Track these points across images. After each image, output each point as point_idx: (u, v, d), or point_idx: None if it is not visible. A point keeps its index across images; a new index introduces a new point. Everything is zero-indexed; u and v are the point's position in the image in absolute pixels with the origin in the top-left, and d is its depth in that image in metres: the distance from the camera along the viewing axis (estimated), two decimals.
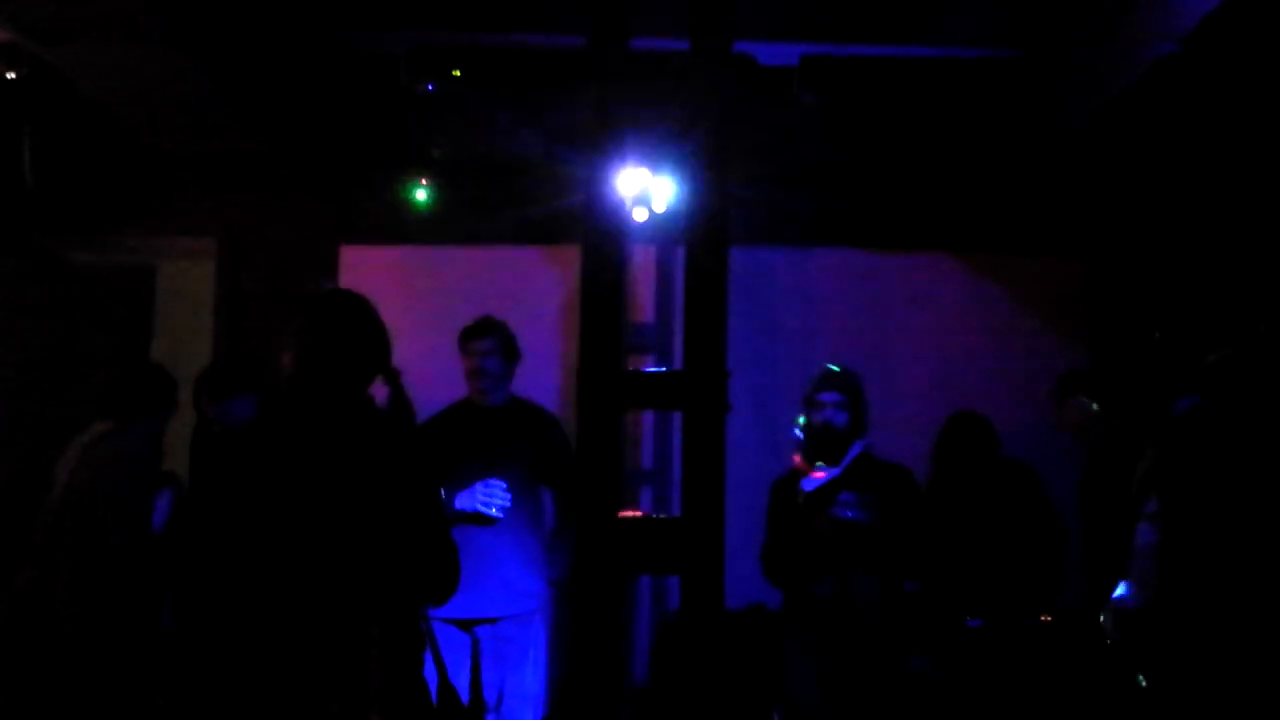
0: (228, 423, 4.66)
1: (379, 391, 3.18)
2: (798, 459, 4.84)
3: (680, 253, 5.57)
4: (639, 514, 5.37)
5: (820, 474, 4.73)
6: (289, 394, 3.00)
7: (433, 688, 3.30)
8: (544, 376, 6.08)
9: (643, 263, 6.57)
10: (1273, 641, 3.46)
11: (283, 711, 2.79)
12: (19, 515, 5.75)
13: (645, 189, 6.09)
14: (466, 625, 4.82)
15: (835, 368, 4.87)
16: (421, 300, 6.43)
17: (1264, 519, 3.51)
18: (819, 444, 4.75)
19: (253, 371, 4.89)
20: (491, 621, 4.86)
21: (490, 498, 4.74)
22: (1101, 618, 4.13)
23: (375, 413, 3.10)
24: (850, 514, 4.63)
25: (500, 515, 4.77)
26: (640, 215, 6.17)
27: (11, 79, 5.78)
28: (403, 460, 2.98)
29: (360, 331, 3.08)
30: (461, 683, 4.45)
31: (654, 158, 5.94)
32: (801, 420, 4.83)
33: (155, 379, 4.86)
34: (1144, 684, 3.73)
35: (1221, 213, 6.24)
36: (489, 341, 5.01)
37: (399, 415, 3.31)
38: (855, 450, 4.74)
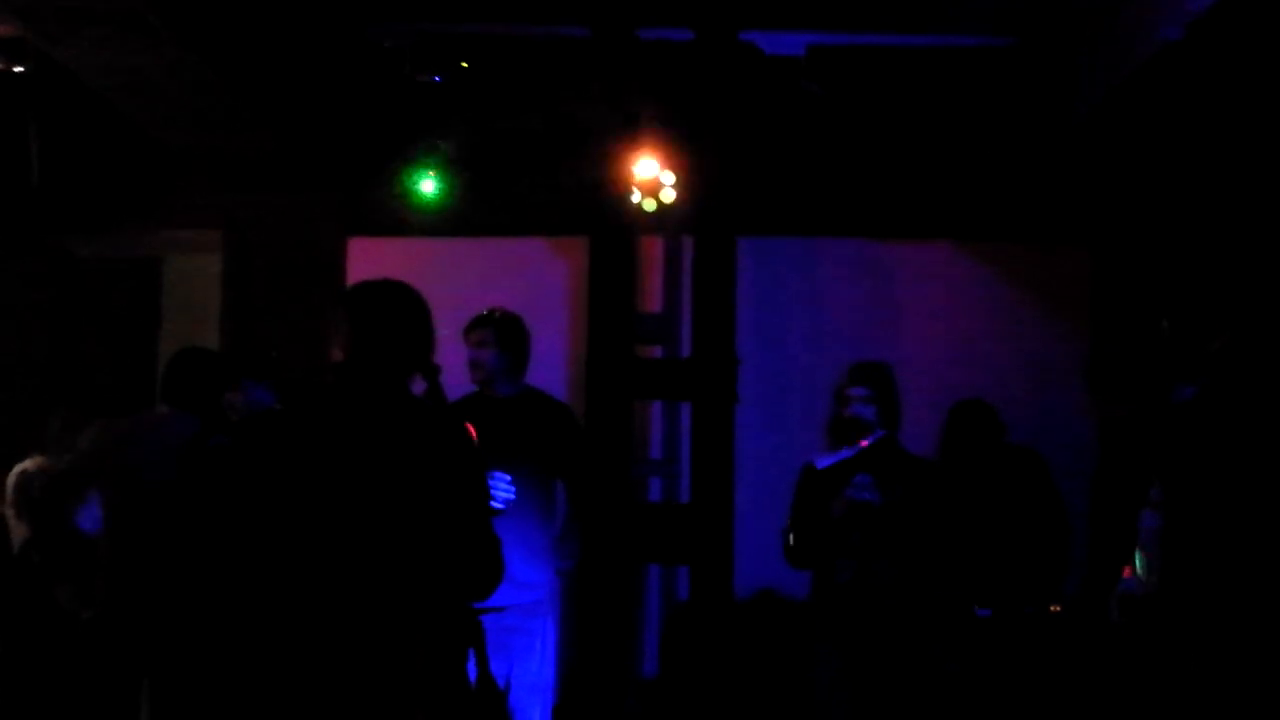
0: (243, 410, 4.64)
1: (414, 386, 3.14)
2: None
3: (688, 243, 5.57)
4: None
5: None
6: (338, 384, 2.97)
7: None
8: (552, 367, 6.09)
9: (650, 253, 6.56)
10: (1275, 627, 3.47)
11: (327, 705, 2.76)
12: None
13: (652, 179, 6.09)
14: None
15: (866, 362, 4.88)
16: (429, 292, 6.35)
17: (1265, 505, 3.52)
18: (847, 437, 4.77)
19: (268, 360, 4.87)
20: (497, 611, 4.86)
21: (494, 490, 4.75)
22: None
23: (422, 406, 3.07)
24: (866, 495, 4.63)
25: (503, 508, 4.77)
26: (648, 206, 6.17)
27: (18, 73, 5.80)
28: (451, 453, 2.95)
29: (411, 322, 3.06)
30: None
31: (661, 148, 5.94)
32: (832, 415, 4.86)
33: (220, 365, 4.68)
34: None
35: (1228, 199, 6.23)
36: (484, 334, 5.01)
37: (439, 409, 3.25)
38: (874, 436, 4.75)
